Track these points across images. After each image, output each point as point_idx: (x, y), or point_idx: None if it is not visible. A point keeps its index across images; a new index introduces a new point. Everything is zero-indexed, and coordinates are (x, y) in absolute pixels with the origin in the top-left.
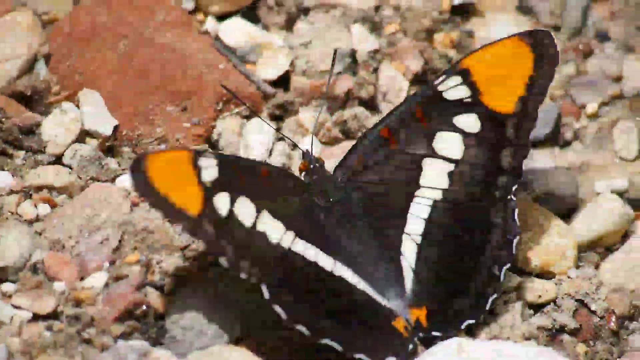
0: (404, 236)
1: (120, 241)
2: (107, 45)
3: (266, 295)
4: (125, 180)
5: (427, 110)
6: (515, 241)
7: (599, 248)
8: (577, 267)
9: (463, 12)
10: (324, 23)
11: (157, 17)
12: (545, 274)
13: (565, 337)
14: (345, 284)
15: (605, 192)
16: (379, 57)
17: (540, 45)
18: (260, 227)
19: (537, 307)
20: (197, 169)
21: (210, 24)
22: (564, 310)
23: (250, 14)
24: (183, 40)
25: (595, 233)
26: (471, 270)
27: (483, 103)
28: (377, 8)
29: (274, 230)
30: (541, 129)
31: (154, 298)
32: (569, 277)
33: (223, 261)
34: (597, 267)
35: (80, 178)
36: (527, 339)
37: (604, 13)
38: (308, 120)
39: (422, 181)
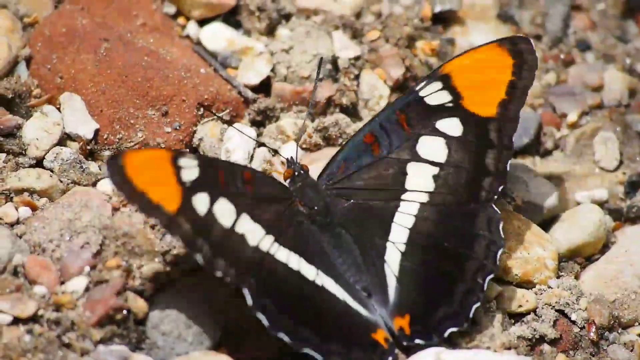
0: (388, 244)
1: (101, 245)
2: (88, 48)
3: (249, 301)
4: (107, 184)
5: (409, 115)
6: (499, 252)
7: (579, 258)
8: (558, 276)
9: (444, 20)
10: (305, 29)
11: (138, 21)
12: (525, 284)
13: (545, 347)
14: (326, 294)
15: (585, 202)
16: (360, 64)
17: (519, 51)
18: (239, 229)
19: (517, 317)
20: (177, 169)
21: (192, 28)
22: (544, 320)
23: (232, 19)
24: (164, 44)
25: (576, 243)
26: (455, 278)
27: (464, 107)
28: (358, 15)
29: (253, 233)
30: (522, 138)
31: (135, 303)
32: (549, 287)
33: (199, 258)
34: (577, 277)
35: (61, 181)
36: (507, 348)
37: (585, 23)
38: (289, 126)
39: (408, 185)
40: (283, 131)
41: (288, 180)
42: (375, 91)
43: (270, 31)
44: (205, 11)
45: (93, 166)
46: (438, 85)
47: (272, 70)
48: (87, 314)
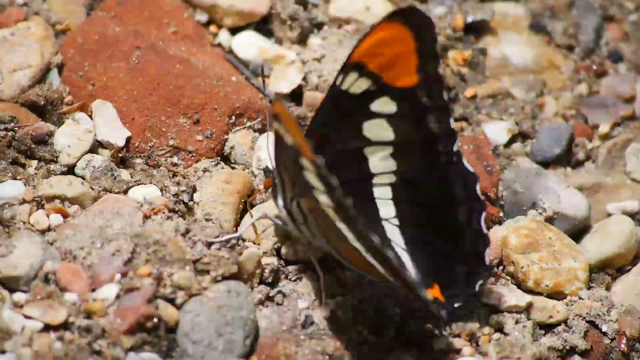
0: (384, 222)
1: (132, 253)
2: (120, 56)
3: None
4: (138, 192)
5: (341, 108)
6: (477, 187)
7: (610, 269)
8: (588, 288)
9: (476, 30)
10: (337, 38)
11: (170, 29)
12: (556, 295)
13: (576, 358)
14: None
15: (616, 213)
16: None
17: (409, 16)
18: None
19: (547, 328)
20: None
21: (223, 37)
22: (574, 331)
23: (264, 28)
24: (196, 52)
25: (607, 254)
26: (456, 234)
27: (388, 85)
28: None
29: None
30: (553, 149)
31: (165, 311)
32: (580, 298)
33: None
34: (608, 288)
35: (92, 189)
36: (538, 359)
37: (617, 34)
38: None
39: (373, 169)
40: None
41: (269, 190)
42: None
43: (302, 40)
44: (237, 20)
45: (124, 174)
46: (354, 75)
47: (304, 79)
48: (117, 322)
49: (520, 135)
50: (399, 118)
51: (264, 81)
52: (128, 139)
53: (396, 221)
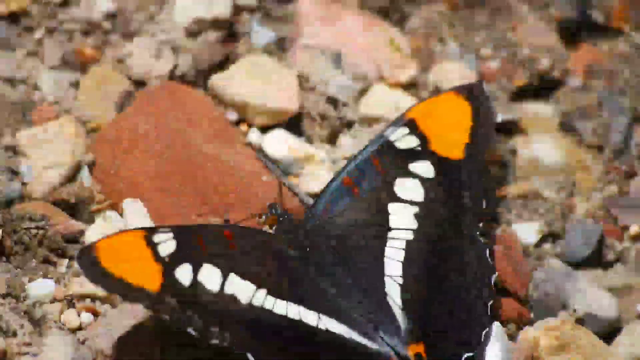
0: (386, 278)
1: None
2: (151, 154)
3: None
4: None
5: (382, 158)
6: (493, 278)
7: None
8: None
9: (506, 130)
10: (368, 137)
11: (201, 127)
12: None
13: None
14: (333, 337)
15: None
16: None
17: (474, 96)
18: (228, 290)
19: None
20: (152, 246)
21: (254, 135)
22: None
23: (294, 127)
24: (227, 151)
25: (637, 355)
26: (459, 306)
27: (433, 151)
28: None
29: (245, 291)
30: (583, 250)
31: None
32: None
33: (191, 332)
34: None
35: None
36: None
37: None
38: None
39: (392, 224)
40: None
41: (274, 227)
42: None
43: (332, 138)
44: (268, 119)
45: None
46: (405, 130)
47: None
48: None
49: (551, 236)
50: (434, 183)
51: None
52: None
53: (400, 280)
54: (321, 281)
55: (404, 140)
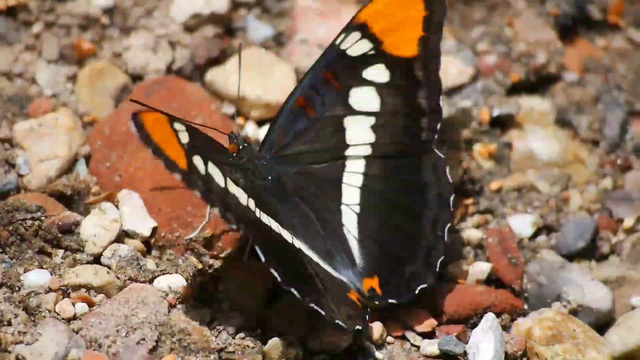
0: (343, 207)
1: (157, 342)
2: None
3: (262, 257)
4: (164, 281)
5: (335, 70)
6: (451, 199)
7: None
8: None
9: (502, 124)
10: None
11: (197, 121)
12: None
13: None
14: (304, 256)
15: None
16: None
17: None
18: (231, 190)
19: None
20: (175, 131)
21: (250, 128)
22: None
23: None
24: (223, 144)
25: (631, 347)
26: (415, 234)
27: (386, 52)
28: None
29: (241, 196)
30: (577, 242)
31: None
32: None
33: (218, 211)
34: None
35: (118, 278)
36: None
37: None
38: None
39: (348, 140)
40: None
41: (234, 155)
42: None
43: None
44: (265, 112)
45: (150, 263)
46: (357, 35)
47: None
48: None
49: (545, 229)
50: (389, 88)
51: None
52: (154, 229)
53: (357, 209)
54: (286, 209)
55: (357, 46)
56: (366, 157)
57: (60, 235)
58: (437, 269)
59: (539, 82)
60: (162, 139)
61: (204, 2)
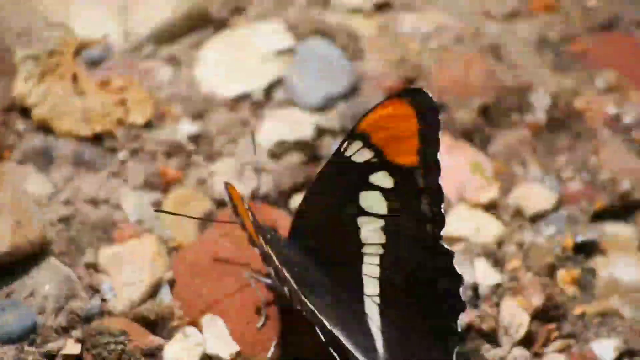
0: (365, 298)
1: None
2: (230, 273)
3: (322, 337)
4: None
5: (342, 174)
6: (461, 289)
7: None
8: None
9: (586, 251)
10: None
11: None
12: None
13: None
14: (342, 343)
15: None
16: (500, 292)
17: (417, 101)
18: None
19: None
20: (248, 209)
21: None
22: None
23: None
24: None
25: None
26: (433, 325)
27: (388, 160)
28: (500, 244)
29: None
30: None
31: None
32: None
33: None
34: None
35: None
36: None
37: None
38: None
39: (363, 239)
40: None
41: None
42: (515, 318)
43: None
44: None
45: None
46: (358, 144)
47: None
48: None
49: (628, 354)
50: (394, 193)
51: None
52: (237, 354)
53: (378, 300)
54: (317, 299)
55: (360, 154)
56: (380, 255)
57: (143, 359)
58: (454, 357)
59: (623, 209)
60: (243, 213)
61: (290, 130)
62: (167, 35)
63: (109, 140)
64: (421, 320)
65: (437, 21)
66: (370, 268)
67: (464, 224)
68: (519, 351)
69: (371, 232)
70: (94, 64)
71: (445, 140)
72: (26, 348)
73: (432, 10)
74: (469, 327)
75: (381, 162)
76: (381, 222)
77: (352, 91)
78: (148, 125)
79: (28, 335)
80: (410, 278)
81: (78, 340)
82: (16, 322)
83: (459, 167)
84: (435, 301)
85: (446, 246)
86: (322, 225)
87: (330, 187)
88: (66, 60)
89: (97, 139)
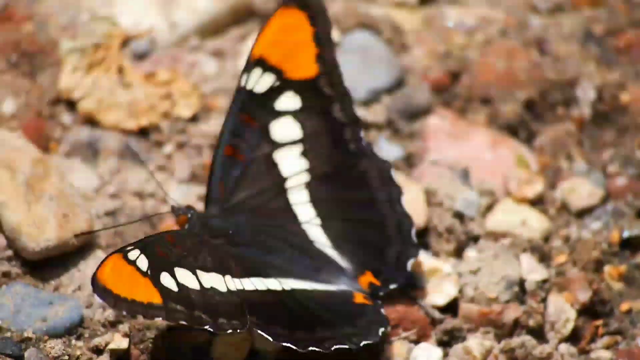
0: (304, 226)
1: None
2: None
3: (269, 338)
4: None
5: (249, 111)
6: (392, 174)
7: None
8: None
9: (633, 246)
10: (494, 252)
11: None
12: None
13: None
14: (298, 293)
15: None
16: (547, 287)
17: (305, 4)
18: (206, 284)
19: None
20: (133, 264)
21: None
22: None
23: (421, 241)
24: None
25: None
26: (379, 220)
27: (290, 78)
28: (546, 239)
29: (216, 281)
30: None
31: None
32: None
33: (208, 329)
34: None
35: None
36: None
37: None
38: (476, 346)
39: (285, 173)
40: (469, 351)
41: (187, 226)
42: (562, 314)
43: (458, 252)
44: None
45: None
46: (258, 71)
47: (460, 291)
48: None
49: None
50: (304, 113)
51: None
52: None
53: (318, 221)
54: (257, 255)
55: (261, 82)
56: (307, 184)
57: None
58: (415, 240)
59: None
60: (126, 286)
61: None
62: (212, 28)
63: (155, 133)
64: (367, 220)
65: (482, 15)
66: (299, 196)
67: (510, 219)
68: (566, 347)
69: (292, 163)
70: (139, 57)
71: (489, 134)
72: (73, 342)
73: (476, 4)
74: (516, 323)
75: (284, 83)
76: (299, 148)
77: (397, 85)
78: (194, 118)
79: (75, 329)
80: (346, 191)
81: (125, 335)
82: (64, 315)
83: (504, 161)
84: (373, 197)
85: (368, 147)
86: (239, 177)
87: (239, 134)
88: (112, 53)
89: (142, 132)
